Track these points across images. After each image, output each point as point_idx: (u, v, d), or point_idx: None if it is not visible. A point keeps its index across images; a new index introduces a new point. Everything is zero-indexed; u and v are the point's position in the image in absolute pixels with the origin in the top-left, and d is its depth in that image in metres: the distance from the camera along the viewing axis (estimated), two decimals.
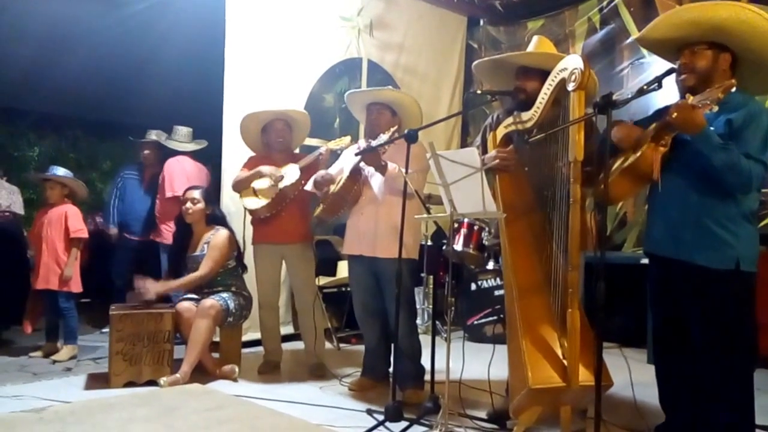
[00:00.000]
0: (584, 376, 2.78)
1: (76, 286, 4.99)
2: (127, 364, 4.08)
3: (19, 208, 5.74)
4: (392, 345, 3.85)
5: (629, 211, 5.88)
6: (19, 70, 5.91)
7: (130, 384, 4.06)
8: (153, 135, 5.88)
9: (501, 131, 3.31)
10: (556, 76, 2.94)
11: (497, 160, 3.19)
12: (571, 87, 2.80)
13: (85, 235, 5.06)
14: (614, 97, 2.60)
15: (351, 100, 4.25)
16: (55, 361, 4.77)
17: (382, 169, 3.82)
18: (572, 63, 2.84)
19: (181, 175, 5.53)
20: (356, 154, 3.84)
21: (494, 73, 3.54)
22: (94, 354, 5.00)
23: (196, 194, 4.53)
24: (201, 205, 4.51)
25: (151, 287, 4.30)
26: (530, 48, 3.42)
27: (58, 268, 4.92)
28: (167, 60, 5.63)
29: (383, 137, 3.81)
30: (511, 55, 3.49)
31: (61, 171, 5.09)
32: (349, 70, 6.14)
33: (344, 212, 4.11)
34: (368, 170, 3.95)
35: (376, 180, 3.95)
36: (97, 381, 4.20)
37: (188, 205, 4.50)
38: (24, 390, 3.95)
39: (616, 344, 4.95)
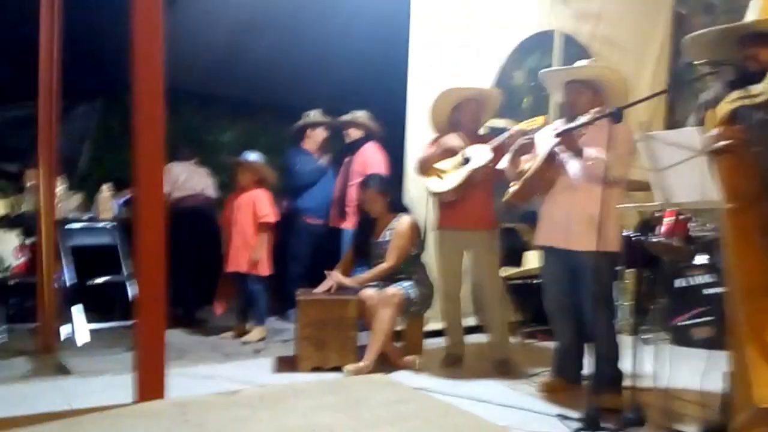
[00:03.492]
0: None
1: (264, 270, 5.11)
2: (314, 349, 4.14)
3: (212, 192, 5.95)
4: (586, 346, 3.55)
5: None
6: (214, 57, 6.14)
7: (316, 369, 4.11)
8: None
9: (724, 107, 2.88)
10: None
11: (721, 141, 2.77)
12: None
13: (272, 219, 5.17)
14: None
15: (546, 78, 3.92)
16: (245, 343, 4.93)
17: (579, 154, 3.50)
18: None
19: (381, 163, 5.37)
20: (556, 135, 3.54)
21: (708, 45, 3.07)
22: (282, 336, 5.11)
23: (371, 194, 4.48)
24: (379, 203, 4.47)
25: (341, 281, 4.40)
26: (752, 10, 2.92)
27: (247, 251, 5.06)
28: (352, 44, 5.57)
29: (582, 118, 3.45)
30: (741, 24, 2.96)
31: (253, 156, 5.22)
32: (540, 44, 5.71)
33: (535, 198, 3.82)
34: (564, 155, 3.63)
35: (572, 165, 3.61)
36: (285, 364, 4.31)
37: (368, 207, 4.51)
38: (216, 370, 4.12)
39: None
